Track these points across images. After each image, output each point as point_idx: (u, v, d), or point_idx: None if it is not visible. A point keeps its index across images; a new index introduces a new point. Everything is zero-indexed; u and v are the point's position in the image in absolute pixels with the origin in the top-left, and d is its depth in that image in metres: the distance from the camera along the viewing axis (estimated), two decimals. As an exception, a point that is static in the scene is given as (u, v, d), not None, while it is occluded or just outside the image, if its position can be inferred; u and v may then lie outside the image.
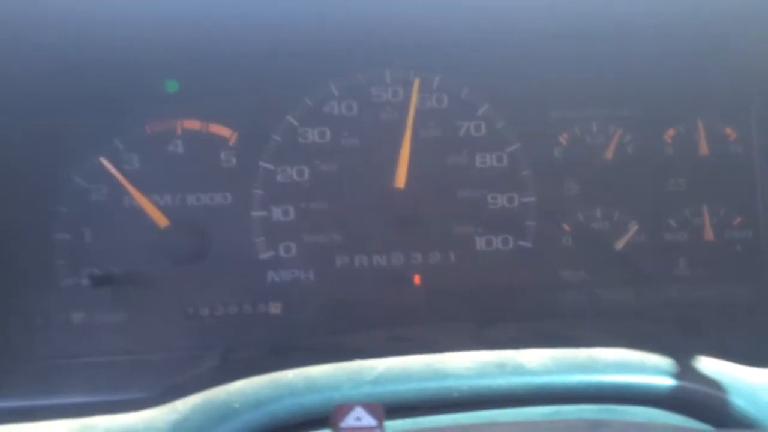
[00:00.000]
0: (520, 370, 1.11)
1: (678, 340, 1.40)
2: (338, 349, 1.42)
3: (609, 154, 1.73)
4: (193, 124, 1.66)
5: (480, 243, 1.70)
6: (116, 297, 1.62)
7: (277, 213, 1.67)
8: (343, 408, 0.82)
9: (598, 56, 1.72)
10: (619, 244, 1.71)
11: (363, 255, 1.68)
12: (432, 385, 1.09)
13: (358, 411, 0.81)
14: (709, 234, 1.74)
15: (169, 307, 1.64)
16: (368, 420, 0.80)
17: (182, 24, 1.51)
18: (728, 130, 1.76)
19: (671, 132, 1.76)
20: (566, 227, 1.72)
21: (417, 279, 1.68)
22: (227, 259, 1.66)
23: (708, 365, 1.17)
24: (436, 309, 1.67)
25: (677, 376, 1.11)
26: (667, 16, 1.60)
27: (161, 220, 1.63)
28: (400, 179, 1.66)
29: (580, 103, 1.74)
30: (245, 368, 1.20)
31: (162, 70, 1.65)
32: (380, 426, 0.79)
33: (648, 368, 1.13)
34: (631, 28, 1.65)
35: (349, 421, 0.80)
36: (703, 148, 1.76)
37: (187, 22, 1.50)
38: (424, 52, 1.71)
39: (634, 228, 1.72)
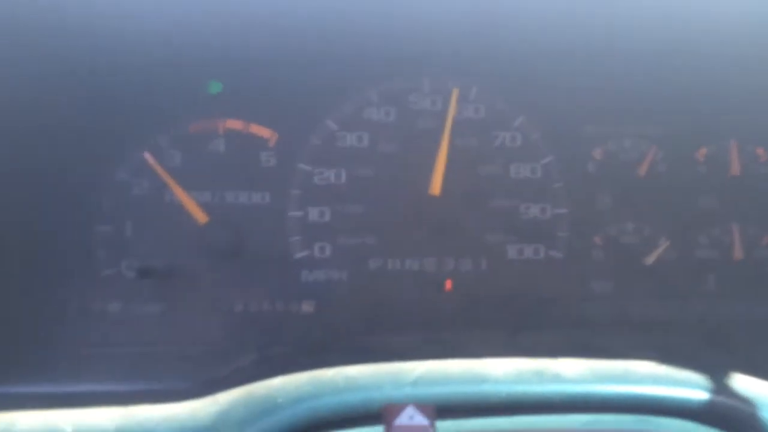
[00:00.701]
0: (557, 378, 1.13)
1: (708, 355, 1.41)
2: (374, 350, 1.45)
3: (642, 170, 1.75)
4: (235, 124, 1.70)
5: (511, 252, 1.73)
6: (153, 289, 1.65)
7: (313, 214, 1.70)
8: (396, 407, 0.84)
9: (634, 74, 1.75)
10: (650, 259, 1.73)
11: (396, 259, 1.71)
12: (471, 389, 1.11)
13: (411, 410, 0.84)
14: (738, 252, 1.75)
15: (204, 302, 1.67)
16: (420, 419, 0.82)
17: (227, 28, 1.54)
18: (760, 151, 1.78)
19: (703, 151, 1.77)
20: (597, 240, 1.74)
21: (449, 284, 1.70)
22: (263, 256, 1.69)
23: (739, 380, 1.18)
24: (466, 314, 1.69)
25: (710, 390, 1.13)
26: (703, 37, 1.62)
27: (201, 217, 1.66)
28: (436, 186, 1.68)
29: (614, 119, 1.76)
30: (284, 365, 1.22)
31: (206, 71, 1.69)
32: (432, 426, 0.82)
33: (681, 381, 1.14)
34: (667, 47, 1.68)
35: (403, 419, 0.82)
36: (735, 168, 1.77)
37: (232, 26, 1.53)
38: (462, 62, 1.73)
39: (664, 244, 1.73)
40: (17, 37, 1.48)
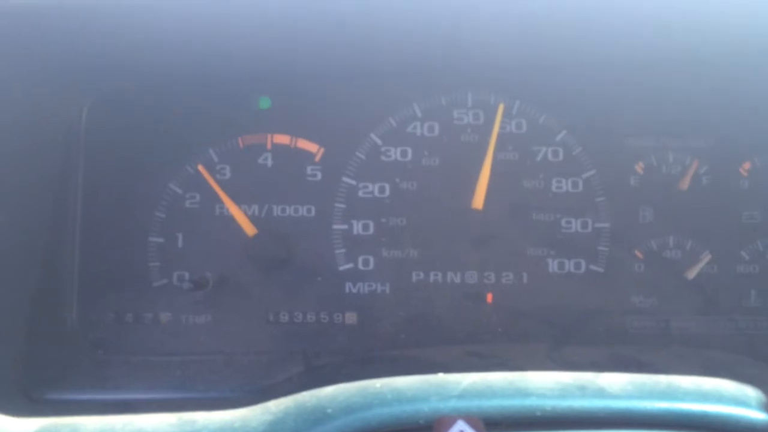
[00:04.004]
0: (600, 393, 1.14)
1: (751, 370, 1.41)
2: (417, 362, 1.48)
3: (684, 184, 1.76)
4: (283, 139, 1.75)
5: (552, 266, 1.74)
6: (203, 299, 1.71)
7: (357, 227, 1.74)
8: (447, 420, 0.87)
9: (677, 87, 1.75)
10: (691, 273, 1.73)
11: (438, 272, 1.74)
12: (515, 403, 1.13)
13: (461, 424, 0.87)
14: (781, 267, 1.75)
15: (251, 312, 1.72)
16: (470, 433, 0.85)
17: (276, 46, 1.59)
18: (805, 165, 1.77)
19: (747, 165, 1.77)
20: (639, 254, 1.75)
21: (490, 297, 1.73)
22: (308, 268, 1.73)
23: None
24: (507, 327, 1.71)
25: (753, 405, 1.14)
26: (747, 50, 1.62)
27: (249, 229, 1.71)
28: (479, 200, 1.71)
29: (656, 132, 1.77)
30: (331, 375, 1.26)
31: (256, 88, 1.75)
32: (482, 439, 0.84)
33: (725, 397, 1.15)
34: (711, 59, 1.68)
35: (453, 433, 0.85)
36: (779, 182, 1.77)
37: (281, 45, 1.58)
38: (505, 77, 1.76)
39: (706, 258, 1.74)
40: (77, 54, 1.55)
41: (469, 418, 0.86)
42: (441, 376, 1.19)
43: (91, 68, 1.62)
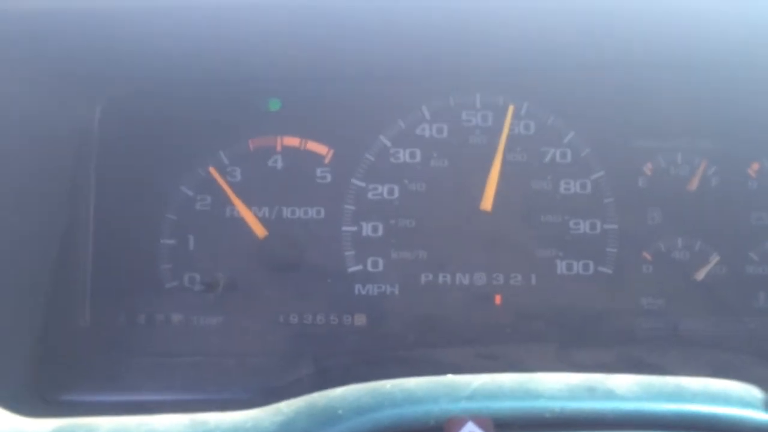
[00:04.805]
0: (609, 394, 1.15)
1: (761, 372, 1.42)
2: (426, 363, 1.49)
3: (693, 185, 1.76)
4: (293, 141, 1.76)
5: (561, 267, 1.75)
6: (214, 301, 1.72)
7: (366, 229, 1.75)
8: (456, 421, 0.88)
9: (684, 88, 1.76)
10: (700, 275, 1.74)
11: (447, 273, 1.75)
12: (525, 405, 1.14)
13: (471, 426, 0.88)
14: (790, 269, 1.75)
15: (262, 313, 1.73)
16: (480, 434, 0.86)
17: (286, 49, 1.60)
18: (814, 166, 1.77)
19: (756, 166, 1.77)
20: (647, 255, 1.75)
21: (498, 299, 1.74)
22: (318, 270, 1.75)
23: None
24: (516, 329, 1.72)
25: (764, 408, 1.14)
26: (755, 50, 1.62)
27: (260, 231, 1.73)
28: (487, 202, 1.72)
29: (664, 133, 1.77)
30: (342, 376, 1.27)
31: (266, 90, 1.76)
32: (492, 441, 0.85)
33: (734, 399, 1.16)
34: (717, 60, 1.68)
35: (464, 434, 0.86)
36: (787, 183, 1.77)
37: (291, 48, 1.59)
38: (513, 79, 1.77)
39: (715, 259, 1.74)
40: (91, 58, 1.57)
41: (479, 419, 0.87)
42: (451, 378, 1.20)
43: (104, 72, 1.64)
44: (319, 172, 1.76)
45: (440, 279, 1.75)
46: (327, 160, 1.76)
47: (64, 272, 1.63)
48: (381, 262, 1.75)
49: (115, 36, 1.45)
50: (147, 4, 1.31)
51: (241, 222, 1.73)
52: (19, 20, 1.32)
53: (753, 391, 1.19)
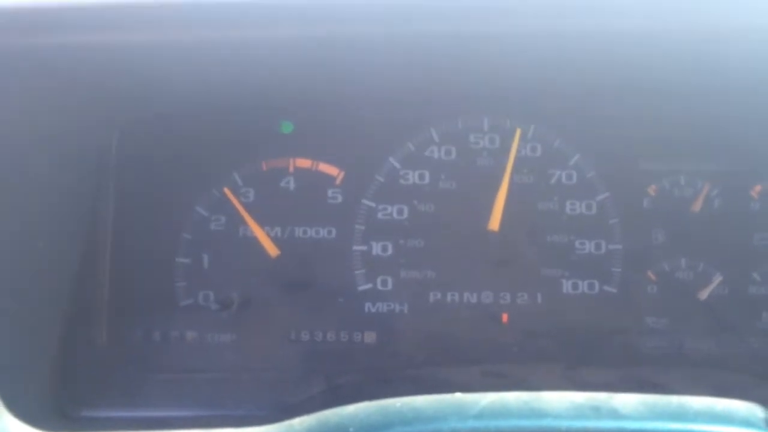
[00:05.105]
0: (614, 414, 1.18)
1: (765, 392, 1.44)
2: (434, 381, 1.53)
3: (696, 206, 1.79)
4: (305, 163, 1.80)
5: (566, 286, 1.78)
6: (227, 319, 1.76)
7: (376, 248, 1.79)
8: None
9: (688, 111, 1.79)
10: (703, 294, 1.76)
11: (455, 292, 1.78)
12: (532, 424, 1.17)
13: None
14: (793, 289, 1.77)
15: (274, 331, 1.77)
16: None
17: (299, 74, 1.63)
18: (817, 189, 1.80)
19: (758, 188, 1.80)
20: (651, 275, 1.78)
21: (505, 317, 1.77)
22: (329, 288, 1.78)
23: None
24: (522, 347, 1.75)
25: (765, 427, 1.17)
26: (758, 75, 1.65)
27: (273, 250, 1.77)
28: (495, 222, 1.76)
29: (669, 156, 1.80)
30: (352, 393, 1.30)
31: (278, 113, 1.81)
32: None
33: (738, 420, 1.18)
34: (722, 84, 1.71)
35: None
36: (790, 205, 1.80)
37: (303, 73, 1.62)
38: (520, 102, 1.80)
39: (718, 279, 1.77)
40: (108, 85, 1.61)
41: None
42: (459, 396, 1.23)
43: (123, 97, 1.68)
44: (330, 192, 1.80)
45: (448, 298, 1.78)
46: (338, 182, 1.80)
47: (82, 290, 1.67)
48: (390, 280, 1.78)
49: (135, 65, 1.49)
50: (164, 39, 1.36)
51: (254, 241, 1.77)
52: (47, 52, 1.37)
53: (756, 411, 1.21)
